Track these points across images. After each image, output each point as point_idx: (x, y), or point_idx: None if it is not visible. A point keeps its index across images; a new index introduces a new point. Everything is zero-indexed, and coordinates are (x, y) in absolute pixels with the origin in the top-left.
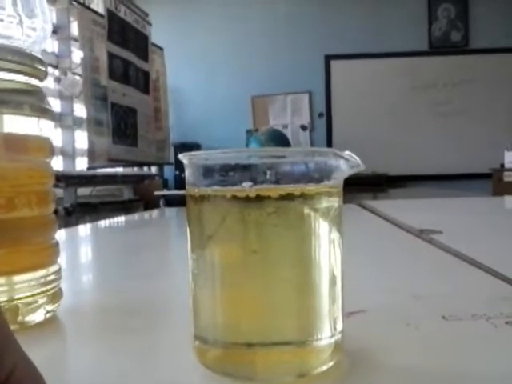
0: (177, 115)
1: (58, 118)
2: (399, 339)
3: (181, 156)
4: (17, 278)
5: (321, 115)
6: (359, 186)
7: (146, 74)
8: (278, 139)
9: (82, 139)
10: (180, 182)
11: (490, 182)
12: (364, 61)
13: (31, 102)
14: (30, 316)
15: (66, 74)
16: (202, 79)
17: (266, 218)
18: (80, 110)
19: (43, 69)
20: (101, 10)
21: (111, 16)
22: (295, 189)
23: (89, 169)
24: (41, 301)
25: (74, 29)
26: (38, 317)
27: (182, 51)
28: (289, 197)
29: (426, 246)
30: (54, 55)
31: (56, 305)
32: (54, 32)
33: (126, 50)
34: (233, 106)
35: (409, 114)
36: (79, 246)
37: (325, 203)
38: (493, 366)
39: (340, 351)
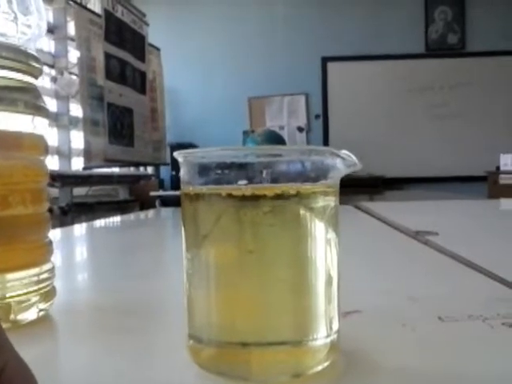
0: (173, 116)
1: (54, 118)
2: (395, 340)
3: (176, 154)
4: (10, 275)
5: (317, 117)
6: (355, 188)
7: (143, 75)
8: (275, 140)
9: (78, 139)
10: (176, 183)
11: (486, 184)
12: (361, 63)
13: (25, 99)
14: (22, 314)
15: (62, 74)
16: (198, 80)
17: (261, 217)
18: (76, 110)
19: (38, 66)
20: (98, 9)
21: (108, 16)
22: (291, 188)
23: (85, 169)
24: (34, 299)
25: (71, 28)
26: (30, 315)
27: (178, 52)
28: (285, 196)
29: (422, 248)
30: (50, 55)
31: (49, 303)
32: (51, 31)
33: (123, 50)
34: (229, 107)
35: (405, 116)
36: (74, 245)
37: (321, 202)
38: (489, 367)
39: (336, 351)
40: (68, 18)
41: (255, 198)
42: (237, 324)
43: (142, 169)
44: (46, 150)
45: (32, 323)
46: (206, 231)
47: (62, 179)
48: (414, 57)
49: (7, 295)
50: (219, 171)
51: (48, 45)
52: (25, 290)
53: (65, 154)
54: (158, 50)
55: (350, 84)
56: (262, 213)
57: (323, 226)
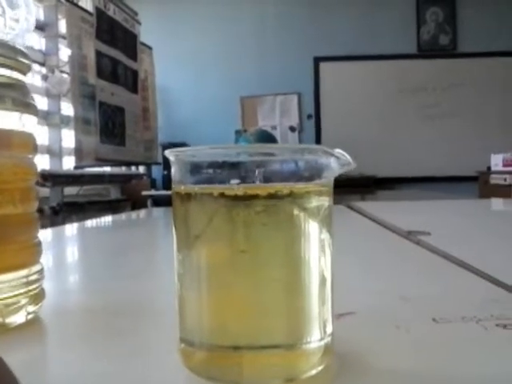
0: (165, 115)
1: (45, 117)
2: (389, 342)
3: (167, 152)
4: None
5: (309, 117)
6: (347, 188)
7: (135, 74)
8: (267, 140)
9: (69, 138)
10: (168, 182)
11: (477, 184)
12: (353, 63)
13: (13, 96)
14: (10, 317)
15: (53, 72)
16: (190, 79)
17: (254, 217)
18: (67, 109)
19: (27, 62)
20: (89, 7)
21: (100, 14)
22: (284, 187)
23: (76, 168)
24: (23, 301)
25: (62, 26)
26: (19, 318)
27: (170, 51)
28: (278, 195)
29: (414, 248)
30: (41, 53)
31: (38, 306)
32: (42, 29)
33: (115, 49)
34: (221, 106)
35: (397, 116)
36: (65, 245)
37: (315, 202)
38: (483, 368)
39: (330, 354)
40: (59, 16)
41: (248, 198)
42: (229, 327)
43: (133, 168)
44: (35, 148)
45: (21, 326)
46: (197, 231)
47: (53, 178)
48: (406, 57)
49: None
50: (211, 170)
51: (39, 43)
52: (14, 293)
53: (56, 153)
54: (149, 48)
55: (342, 84)
56: (254, 213)
57: (317, 226)
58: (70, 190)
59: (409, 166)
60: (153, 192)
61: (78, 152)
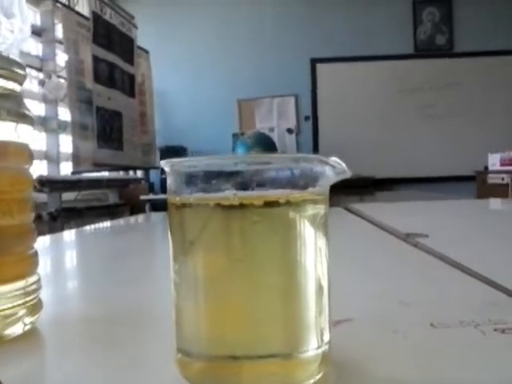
0: (163, 119)
1: (42, 122)
2: (387, 348)
3: (162, 163)
4: None
5: (307, 118)
6: (345, 189)
7: (132, 78)
8: (264, 142)
9: (66, 143)
10: (166, 186)
11: (474, 184)
12: (350, 64)
13: (8, 106)
14: (8, 329)
15: (50, 77)
16: (187, 83)
17: (250, 227)
18: (65, 114)
19: (22, 72)
20: (86, 12)
21: (96, 18)
22: (280, 196)
23: (74, 173)
24: (20, 313)
25: (59, 31)
26: (16, 330)
27: (167, 54)
28: (274, 204)
29: (412, 250)
30: (38, 58)
31: (36, 317)
32: (38, 34)
33: (112, 53)
34: (219, 109)
35: (395, 117)
36: (64, 252)
37: (310, 211)
38: (482, 374)
39: (327, 363)
40: (56, 21)
41: (243, 207)
42: (226, 337)
43: (131, 173)
44: (31, 158)
45: (18, 338)
46: (193, 241)
47: (51, 184)
48: (402, 58)
49: None
50: (207, 180)
51: (36, 48)
52: (11, 304)
53: (53, 159)
54: (146, 52)
55: (339, 85)
56: (250, 222)
57: (313, 234)
58: (68, 196)
59: (407, 167)
60: (151, 196)
61: (76, 157)
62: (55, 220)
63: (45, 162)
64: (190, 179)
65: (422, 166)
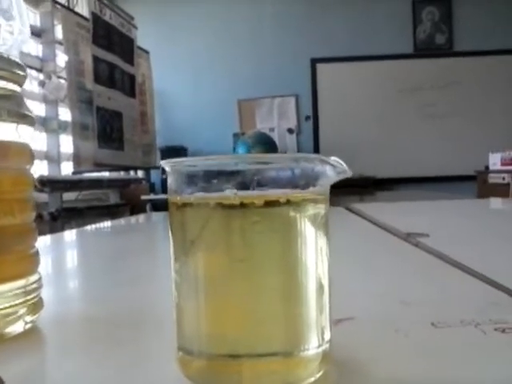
0: (163, 119)
1: (42, 123)
2: (388, 347)
3: (163, 163)
4: None
5: (307, 118)
6: (346, 189)
7: (132, 78)
8: (265, 142)
9: (67, 143)
10: (167, 186)
11: (475, 183)
12: (349, 64)
13: (9, 107)
14: (9, 328)
15: (50, 78)
16: (188, 83)
17: (251, 226)
18: (65, 114)
19: (22, 73)
20: (85, 13)
21: (96, 19)
22: (281, 196)
23: (74, 173)
24: (21, 312)
25: (59, 32)
26: (17, 328)
27: (167, 55)
28: (274, 204)
29: (413, 250)
30: (38, 59)
31: (36, 315)
32: (38, 35)
33: (112, 54)
34: (219, 109)
35: (395, 116)
36: (65, 252)
37: (311, 210)
38: (483, 373)
39: (328, 361)
40: (55, 22)
41: (244, 207)
42: (227, 335)
43: (132, 172)
44: (32, 158)
45: (18, 336)
46: (194, 240)
47: (52, 184)
48: (402, 57)
49: None
50: (207, 180)
51: (36, 49)
52: (12, 303)
53: (54, 159)
54: (146, 53)
55: (339, 85)
56: (251, 221)
57: (314, 234)
58: (69, 196)
59: (407, 166)
60: (152, 196)
61: (77, 157)
62: (56, 220)
63: (45, 162)
64: (191, 179)
65: (423, 165)
